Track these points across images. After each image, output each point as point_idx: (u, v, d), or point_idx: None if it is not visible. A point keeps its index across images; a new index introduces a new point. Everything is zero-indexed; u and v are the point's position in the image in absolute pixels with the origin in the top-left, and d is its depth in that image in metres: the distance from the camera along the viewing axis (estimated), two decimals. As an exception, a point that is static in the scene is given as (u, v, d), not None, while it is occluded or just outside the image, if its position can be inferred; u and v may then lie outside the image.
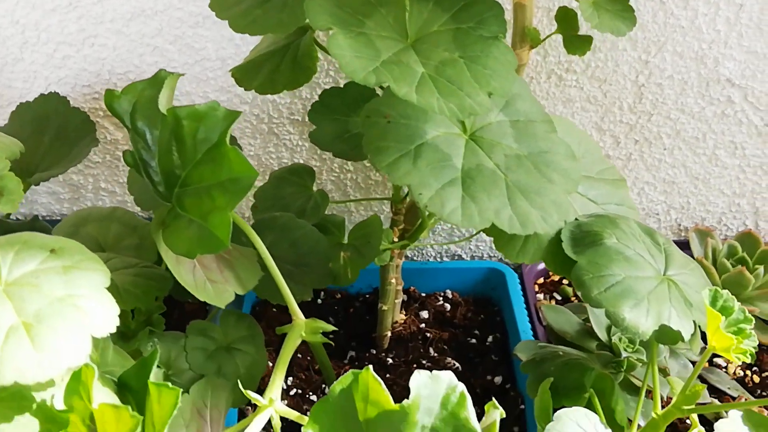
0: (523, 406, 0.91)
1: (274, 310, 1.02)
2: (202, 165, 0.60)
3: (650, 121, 0.97)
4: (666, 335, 0.64)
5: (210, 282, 0.65)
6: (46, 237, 0.54)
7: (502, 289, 1.04)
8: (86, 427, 0.49)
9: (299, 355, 0.98)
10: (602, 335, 0.86)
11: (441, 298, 1.06)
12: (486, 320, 1.04)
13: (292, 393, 0.94)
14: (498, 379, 0.95)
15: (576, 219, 0.69)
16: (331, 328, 0.67)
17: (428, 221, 0.85)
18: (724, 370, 0.97)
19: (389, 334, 0.99)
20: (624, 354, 0.83)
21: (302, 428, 0.54)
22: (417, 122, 0.65)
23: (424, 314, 1.03)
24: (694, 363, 0.86)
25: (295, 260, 0.78)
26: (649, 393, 0.77)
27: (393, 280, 0.95)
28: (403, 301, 1.04)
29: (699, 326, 0.66)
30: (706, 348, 0.63)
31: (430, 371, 0.55)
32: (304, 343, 0.95)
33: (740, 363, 0.78)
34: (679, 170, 1.03)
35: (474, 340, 1.00)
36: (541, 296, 1.05)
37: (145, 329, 0.69)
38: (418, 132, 0.64)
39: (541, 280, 1.08)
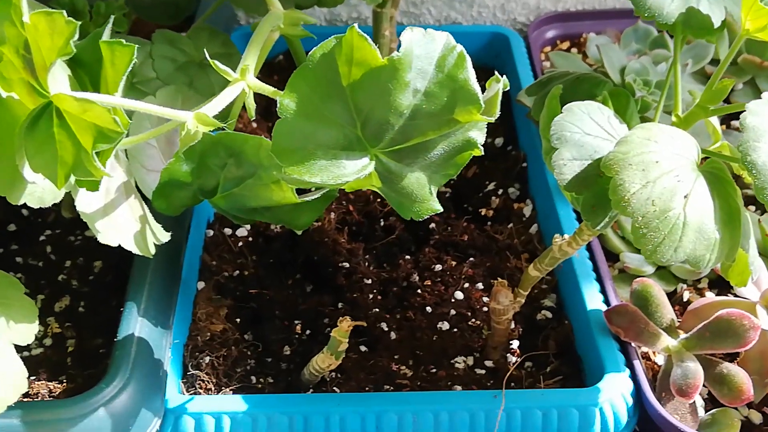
0: (525, 164, 0.85)
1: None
2: None
3: None
4: (694, 20, 0.56)
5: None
6: None
7: (507, 56, 0.96)
8: (21, 57, 0.42)
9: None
10: (615, 76, 0.78)
11: (439, 66, 0.98)
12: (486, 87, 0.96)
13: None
14: (498, 141, 0.88)
15: None
16: (312, 20, 0.59)
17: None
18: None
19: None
20: (638, 94, 0.76)
21: (279, 99, 0.47)
22: None
23: (421, 82, 0.96)
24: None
25: (275, -23, 0.70)
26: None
27: (387, 33, 0.87)
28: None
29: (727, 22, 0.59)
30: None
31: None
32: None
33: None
34: None
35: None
36: (548, 64, 0.97)
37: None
38: None
39: (548, 48, 1.00)
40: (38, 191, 0.46)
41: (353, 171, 0.49)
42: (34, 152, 0.42)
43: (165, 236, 0.55)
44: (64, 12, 0.39)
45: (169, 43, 0.65)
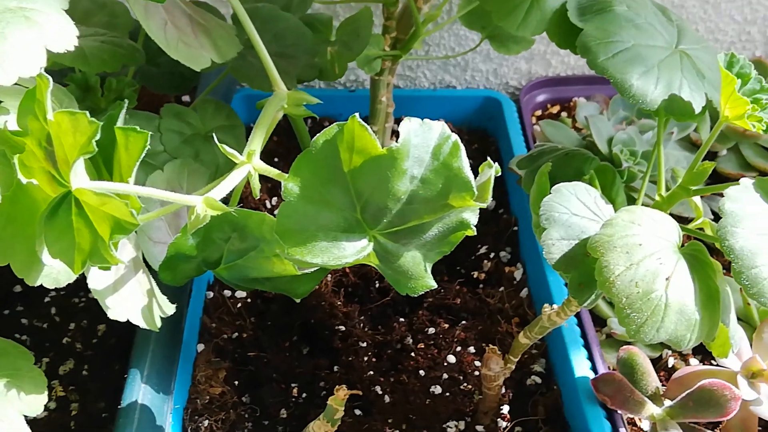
0: (516, 228, 0.88)
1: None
2: None
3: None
4: (676, 106, 0.59)
5: (183, 44, 0.59)
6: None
7: (499, 119, 0.99)
8: (42, 149, 0.45)
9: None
10: (603, 147, 0.82)
11: (433, 129, 1.01)
12: (480, 150, 0.99)
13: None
14: (491, 204, 0.91)
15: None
16: (315, 100, 0.62)
17: (422, 29, 0.80)
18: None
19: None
20: (625, 164, 0.79)
21: (283, 183, 0.50)
22: None
23: (416, 144, 0.99)
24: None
25: (278, 52, 0.73)
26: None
27: (384, 99, 0.91)
28: (393, 130, 0.99)
29: (708, 105, 0.62)
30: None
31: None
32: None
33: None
34: (688, -7, 0.97)
35: (467, 169, 0.96)
36: (538, 129, 1.01)
37: (116, 104, 0.64)
38: None
39: (539, 112, 1.03)
40: (54, 273, 0.48)
41: (353, 252, 0.51)
42: (53, 240, 0.44)
43: (170, 309, 0.57)
44: (87, 113, 0.42)
45: (177, 117, 0.68)
